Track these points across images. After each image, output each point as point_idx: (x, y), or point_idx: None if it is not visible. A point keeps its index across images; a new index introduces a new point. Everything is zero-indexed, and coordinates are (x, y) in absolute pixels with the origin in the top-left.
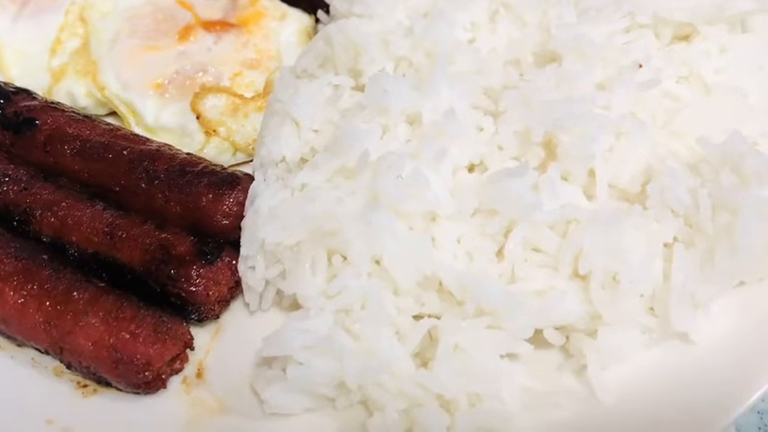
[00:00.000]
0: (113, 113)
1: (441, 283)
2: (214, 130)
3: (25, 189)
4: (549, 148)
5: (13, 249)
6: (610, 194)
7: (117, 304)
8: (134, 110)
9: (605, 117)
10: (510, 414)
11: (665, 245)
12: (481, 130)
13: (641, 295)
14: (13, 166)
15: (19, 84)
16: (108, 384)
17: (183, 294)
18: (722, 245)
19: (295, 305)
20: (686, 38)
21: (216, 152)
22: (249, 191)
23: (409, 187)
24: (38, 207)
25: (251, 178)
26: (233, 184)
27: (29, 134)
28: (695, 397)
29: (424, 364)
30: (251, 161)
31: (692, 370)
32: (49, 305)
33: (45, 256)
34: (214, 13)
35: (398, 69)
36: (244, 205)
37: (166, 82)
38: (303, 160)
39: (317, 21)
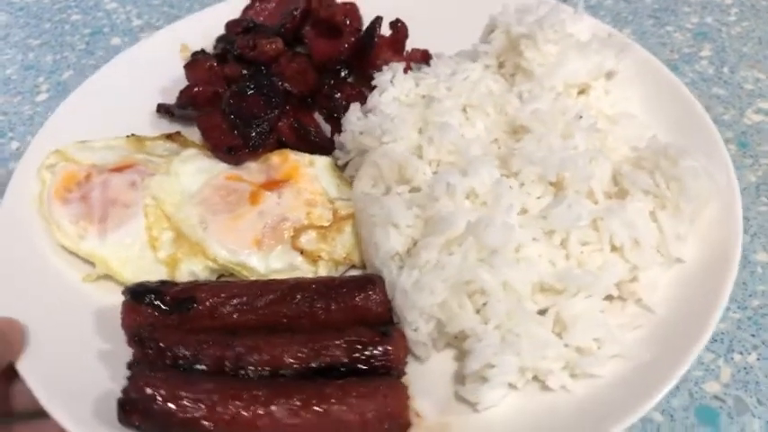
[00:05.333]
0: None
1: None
2: (319, 256)
3: (227, 345)
4: (558, 182)
5: (254, 384)
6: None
7: (348, 385)
8: (246, 266)
9: (581, 153)
10: None
11: (650, 213)
12: (510, 187)
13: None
14: (203, 334)
15: (138, 275)
16: None
17: (388, 363)
18: (680, 200)
19: (448, 345)
20: (584, 91)
21: (325, 272)
22: (386, 281)
23: (503, 233)
24: (247, 353)
25: (375, 275)
26: (370, 280)
27: (193, 310)
28: None
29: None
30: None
31: None
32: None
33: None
34: (261, 177)
35: (434, 166)
36: (386, 293)
37: (261, 236)
38: (407, 252)
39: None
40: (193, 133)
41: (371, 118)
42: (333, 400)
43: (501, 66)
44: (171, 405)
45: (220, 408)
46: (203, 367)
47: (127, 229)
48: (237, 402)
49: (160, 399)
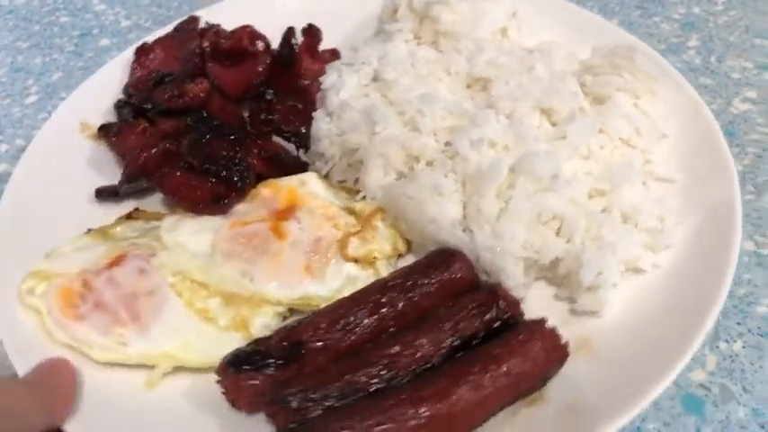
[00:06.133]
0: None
1: None
2: (374, 258)
3: (369, 362)
4: (548, 108)
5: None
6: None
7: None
8: (310, 296)
9: (553, 78)
10: None
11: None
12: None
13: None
14: (332, 367)
15: (211, 353)
16: None
17: (513, 312)
18: (653, 85)
19: (536, 278)
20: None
21: (385, 270)
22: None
23: (549, 160)
24: (392, 361)
25: (446, 248)
26: (447, 253)
27: (306, 352)
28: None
29: None
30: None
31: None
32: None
33: None
34: (263, 213)
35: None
36: (467, 259)
37: (308, 263)
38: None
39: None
40: (144, 205)
41: (347, 117)
42: (506, 358)
43: (417, 37)
44: None
45: (413, 413)
46: (355, 397)
47: (167, 315)
48: (426, 403)
49: None
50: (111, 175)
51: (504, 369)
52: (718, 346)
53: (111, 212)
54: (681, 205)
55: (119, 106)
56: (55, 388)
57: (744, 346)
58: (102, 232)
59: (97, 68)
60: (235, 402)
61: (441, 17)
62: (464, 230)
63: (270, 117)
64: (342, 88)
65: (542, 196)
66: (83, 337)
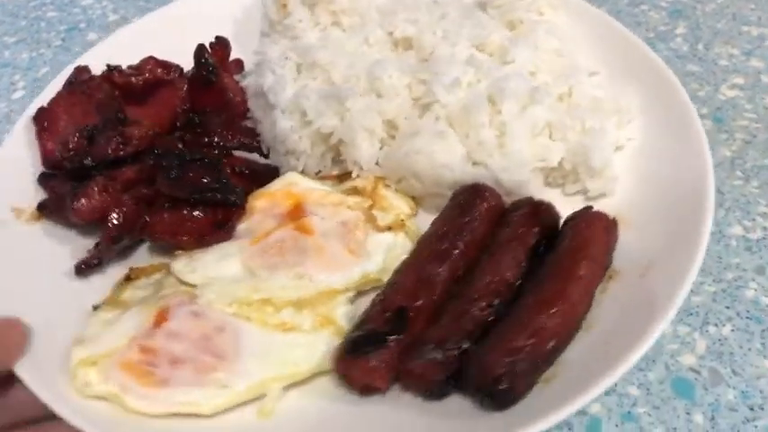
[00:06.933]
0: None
1: None
2: (402, 221)
3: (471, 300)
4: (482, 44)
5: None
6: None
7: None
8: (368, 273)
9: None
10: None
11: None
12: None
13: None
14: (445, 317)
15: (312, 358)
16: None
17: (554, 211)
18: None
19: None
20: None
21: (415, 227)
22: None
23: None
24: (494, 293)
25: (468, 184)
26: (473, 188)
27: (413, 315)
28: None
29: None
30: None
31: None
32: None
33: None
34: (274, 223)
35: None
36: (489, 186)
37: (347, 246)
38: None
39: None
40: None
41: (307, 106)
42: (584, 245)
43: (317, 24)
44: None
45: (545, 318)
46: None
47: (250, 342)
48: (550, 305)
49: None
50: (73, 250)
51: (588, 254)
52: (707, 330)
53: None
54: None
55: (45, 179)
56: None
57: (733, 330)
58: (114, 303)
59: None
60: (369, 386)
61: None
62: (473, 165)
63: (211, 140)
64: (285, 84)
65: (530, 111)
66: (182, 398)
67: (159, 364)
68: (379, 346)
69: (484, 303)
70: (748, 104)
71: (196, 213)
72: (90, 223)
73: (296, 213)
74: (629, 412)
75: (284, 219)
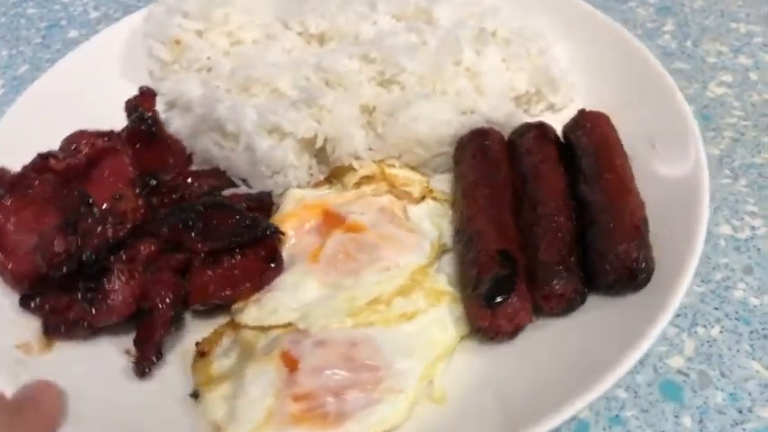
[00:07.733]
0: None
1: None
2: (429, 190)
3: (543, 228)
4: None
5: None
6: None
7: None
8: (435, 243)
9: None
10: None
11: None
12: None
13: None
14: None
15: (450, 330)
16: None
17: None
18: None
19: None
20: None
21: (440, 192)
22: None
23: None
24: (560, 205)
25: (467, 133)
26: (476, 133)
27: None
28: None
29: None
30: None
31: None
32: None
33: None
34: (317, 237)
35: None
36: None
37: (403, 227)
38: None
39: None
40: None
41: (276, 117)
42: (611, 144)
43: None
44: None
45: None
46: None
47: (389, 345)
48: (622, 196)
49: None
50: (99, 352)
51: (611, 143)
52: (696, 332)
53: None
54: None
55: (28, 302)
56: (38, 412)
57: (721, 331)
58: (210, 381)
59: None
60: (518, 326)
61: (230, 17)
62: (463, 114)
63: (183, 195)
64: (243, 108)
65: (486, 52)
66: (370, 420)
67: (325, 402)
68: (512, 287)
69: (563, 218)
70: (736, 102)
71: (239, 258)
72: (128, 318)
73: (332, 220)
74: (616, 416)
75: (323, 229)
